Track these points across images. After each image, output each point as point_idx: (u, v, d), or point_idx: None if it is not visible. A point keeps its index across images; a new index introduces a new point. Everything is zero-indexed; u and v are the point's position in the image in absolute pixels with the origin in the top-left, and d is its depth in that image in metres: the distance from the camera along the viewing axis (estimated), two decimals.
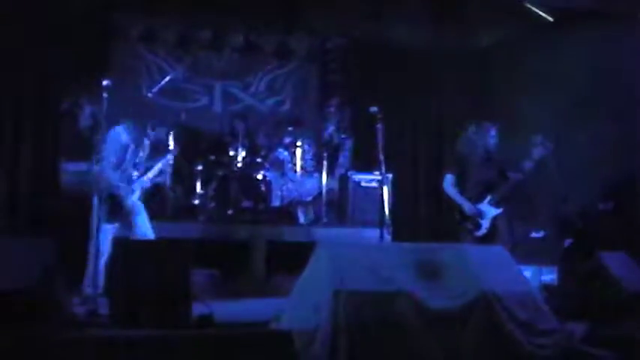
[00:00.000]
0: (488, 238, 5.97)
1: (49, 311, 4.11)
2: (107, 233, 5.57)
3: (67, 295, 4.55)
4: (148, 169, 6.00)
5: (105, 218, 5.57)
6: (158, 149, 6.72)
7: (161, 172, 6.18)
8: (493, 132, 6.12)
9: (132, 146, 5.85)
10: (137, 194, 5.87)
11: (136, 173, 5.89)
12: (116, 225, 5.72)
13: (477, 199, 6.04)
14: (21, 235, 6.62)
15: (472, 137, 6.16)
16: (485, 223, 5.98)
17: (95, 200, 5.51)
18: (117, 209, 5.70)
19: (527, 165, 5.88)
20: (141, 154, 5.91)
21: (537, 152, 5.90)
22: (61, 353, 3.90)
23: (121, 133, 5.81)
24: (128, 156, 5.81)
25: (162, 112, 7.72)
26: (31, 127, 7.26)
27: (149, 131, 5.98)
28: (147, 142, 5.98)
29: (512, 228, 6.57)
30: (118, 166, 5.75)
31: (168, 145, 7.13)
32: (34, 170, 7.21)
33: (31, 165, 7.21)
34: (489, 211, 6.00)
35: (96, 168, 5.55)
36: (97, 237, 5.28)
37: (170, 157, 6.25)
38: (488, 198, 6.00)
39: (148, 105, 7.41)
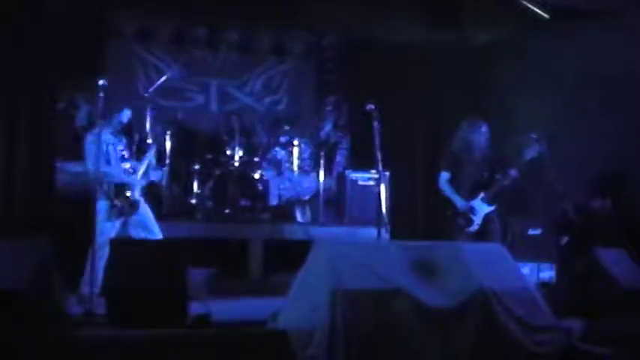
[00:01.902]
0: (480, 234, 5.98)
1: (44, 311, 4.10)
2: (109, 232, 5.54)
3: (64, 296, 4.53)
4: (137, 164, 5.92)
5: (107, 216, 5.56)
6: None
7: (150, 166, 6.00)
8: (484, 129, 6.12)
9: (112, 142, 5.75)
10: (138, 189, 5.80)
11: (127, 165, 5.80)
12: (118, 223, 5.67)
13: (470, 195, 6.04)
14: (17, 235, 6.60)
15: (465, 135, 6.15)
16: (477, 220, 5.99)
17: (98, 199, 5.46)
18: (122, 205, 5.64)
19: (513, 173, 5.90)
20: (121, 147, 5.81)
21: (529, 153, 5.92)
22: (58, 353, 3.90)
23: (100, 133, 5.68)
24: (113, 152, 5.72)
25: (159, 112, 7.69)
26: (27, 127, 7.23)
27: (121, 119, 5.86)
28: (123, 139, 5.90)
29: (505, 225, 6.57)
30: (109, 162, 5.67)
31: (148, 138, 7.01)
32: (29, 170, 7.18)
33: (26, 165, 7.18)
34: (481, 207, 6.01)
35: (91, 168, 5.51)
36: (98, 236, 5.26)
37: (153, 149, 6.12)
38: (481, 195, 6.01)
39: (144, 104, 7.38)
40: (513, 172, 5.93)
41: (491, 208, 6.02)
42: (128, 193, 5.68)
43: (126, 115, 5.86)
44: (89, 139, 5.66)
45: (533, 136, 5.97)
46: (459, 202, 6.04)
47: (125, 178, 5.71)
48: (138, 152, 6.33)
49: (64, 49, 7.39)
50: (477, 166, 6.12)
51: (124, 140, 5.92)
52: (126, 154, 5.87)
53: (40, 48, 7.22)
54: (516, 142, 6.18)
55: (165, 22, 8.60)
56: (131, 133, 6.41)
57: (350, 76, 9.16)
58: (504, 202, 6.26)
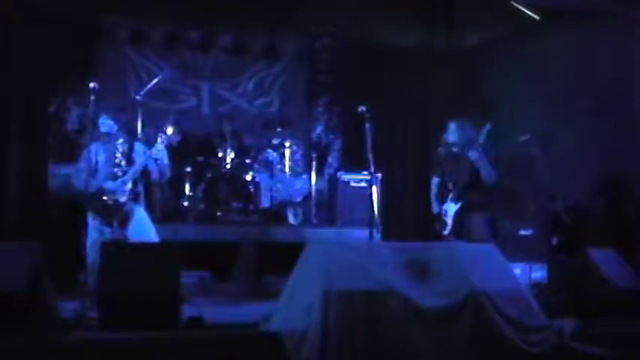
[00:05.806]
0: (457, 234, 5.90)
1: (37, 315, 4.08)
2: (99, 237, 5.45)
3: (56, 299, 4.51)
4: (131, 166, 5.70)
5: (99, 223, 5.50)
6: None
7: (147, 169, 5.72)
8: (471, 130, 6.02)
9: (102, 149, 5.65)
10: (126, 192, 5.62)
11: (117, 168, 5.64)
12: (109, 229, 5.54)
13: (444, 197, 6.01)
14: (9, 237, 6.57)
15: (449, 137, 6.09)
16: (449, 220, 5.94)
17: (88, 207, 5.42)
18: (110, 213, 5.54)
19: (472, 155, 5.79)
20: (115, 150, 5.66)
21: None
22: (50, 357, 3.88)
23: (89, 145, 5.61)
24: (102, 157, 5.62)
25: (150, 114, 7.67)
26: (19, 130, 7.19)
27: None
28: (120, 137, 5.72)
29: (497, 226, 6.54)
30: (96, 172, 5.59)
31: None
32: (22, 173, 7.14)
33: (19, 167, 7.14)
34: (450, 207, 5.95)
35: (81, 175, 5.45)
36: (88, 242, 5.22)
37: (155, 150, 5.69)
38: (450, 195, 5.97)
39: (135, 107, 7.35)
40: (473, 154, 5.81)
41: (458, 205, 5.93)
42: (115, 203, 5.54)
43: (104, 124, 5.65)
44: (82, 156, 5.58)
45: (527, 136, 5.97)
46: (434, 206, 6.03)
47: (111, 189, 5.54)
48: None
49: (55, 51, 7.36)
50: (468, 167, 6.07)
51: (119, 142, 5.70)
52: (119, 157, 5.67)
53: (32, 50, 7.19)
54: (511, 142, 6.17)
55: (157, 25, 8.59)
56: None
57: (341, 78, 9.17)
58: (495, 203, 6.26)
